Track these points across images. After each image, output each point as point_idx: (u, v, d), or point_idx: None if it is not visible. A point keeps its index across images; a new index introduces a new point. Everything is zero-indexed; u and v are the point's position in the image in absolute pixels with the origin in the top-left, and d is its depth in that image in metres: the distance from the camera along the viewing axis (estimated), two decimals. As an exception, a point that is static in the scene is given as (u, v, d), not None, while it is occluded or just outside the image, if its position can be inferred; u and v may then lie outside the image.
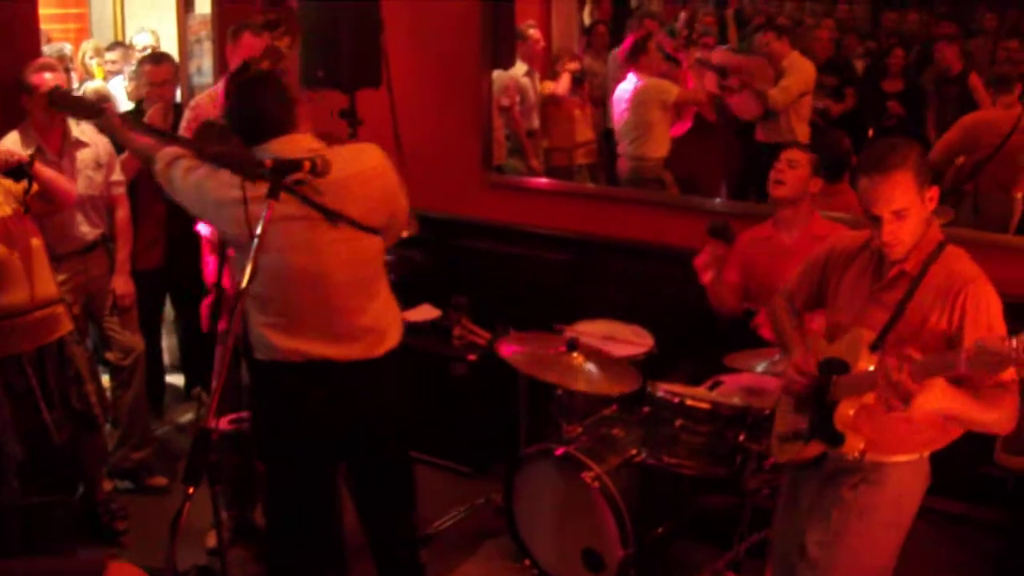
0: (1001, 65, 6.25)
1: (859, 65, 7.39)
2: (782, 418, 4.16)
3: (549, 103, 7.81)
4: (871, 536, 3.90)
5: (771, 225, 5.66)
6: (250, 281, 3.52)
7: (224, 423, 5.20)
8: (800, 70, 7.05)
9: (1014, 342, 3.19)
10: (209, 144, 4.24)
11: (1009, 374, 3.49)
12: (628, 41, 7.51)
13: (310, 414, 4.35)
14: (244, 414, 5.02)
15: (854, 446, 3.76)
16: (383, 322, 4.35)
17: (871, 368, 3.67)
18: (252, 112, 4.14)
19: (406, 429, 4.64)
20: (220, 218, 4.16)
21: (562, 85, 7.73)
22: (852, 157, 6.25)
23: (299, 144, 4.05)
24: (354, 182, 4.10)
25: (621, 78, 7.51)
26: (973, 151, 6.13)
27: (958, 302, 3.65)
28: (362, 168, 4.18)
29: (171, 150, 4.39)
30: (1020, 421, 3.78)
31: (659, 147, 7.34)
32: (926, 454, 3.90)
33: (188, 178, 4.21)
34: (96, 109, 5.27)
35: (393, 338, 4.39)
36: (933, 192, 3.72)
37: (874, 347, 3.75)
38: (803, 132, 6.94)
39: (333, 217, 4.06)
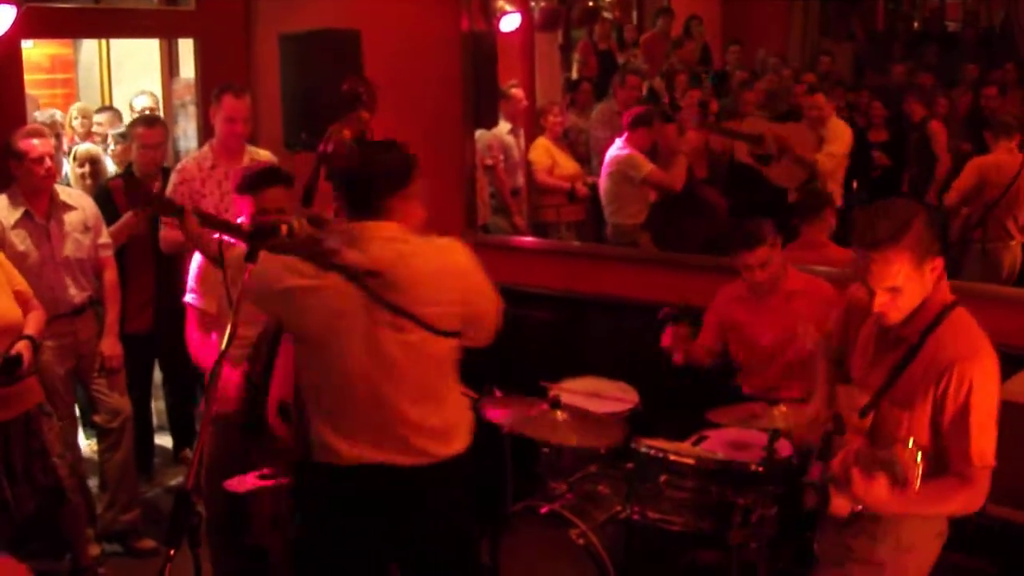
0: (1004, 115, 6.30)
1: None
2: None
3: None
4: None
5: (745, 287, 5.69)
6: (228, 344, 3.52)
7: (252, 479, 5.15)
8: (841, 134, 7.10)
9: (908, 459, 3.16)
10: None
11: (969, 464, 3.43)
12: (635, 110, 7.52)
13: (360, 525, 4.06)
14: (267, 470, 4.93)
15: (840, 508, 3.60)
16: (449, 424, 4.12)
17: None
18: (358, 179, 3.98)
19: (467, 540, 4.44)
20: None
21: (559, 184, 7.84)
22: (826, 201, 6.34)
23: (380, 232, 3.88)
24: (431, 280, 3.85)
25: (604, 136, 7.57)
26: (982, 193, 6.17)
27: (943, 381, 3.48)
28: (443, 265, 3.91)
29: None
30: (1010, 469, 3.74)
31: (632, 216, 7.40)
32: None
33: None
34: (177, 208, 5.17)
35: (461, 441, 4.17)
36: (937, 263, 3.54)
37: (863, 412, 3.66)
38: (837, 194, 6.97)
39: (402, 316, 3.83)
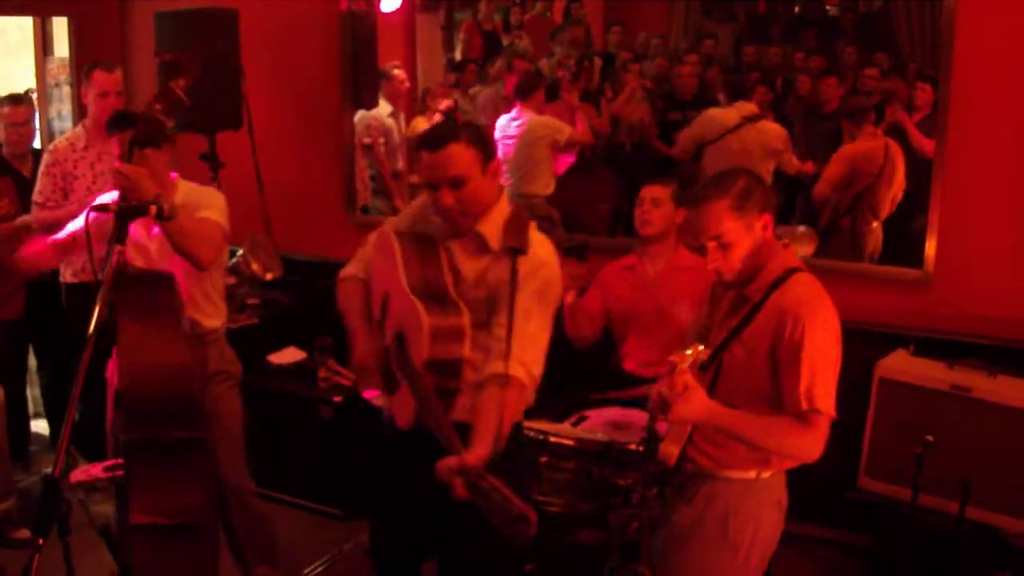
0: (855, 97, 6.35)
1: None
2: None
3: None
4: (698, 552, 3.91)
5: (636, 256, 5.69)
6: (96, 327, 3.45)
7: (97, 470, 5.05)
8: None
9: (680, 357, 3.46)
10: None
11: (799, 404, 3.55)
12: (514, 77, 7.51)
13: None
14: (120, 460, 4.85)
15: (667, 452, 3.80)
16: None
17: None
18: None
19: None
20: None
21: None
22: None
23: None
24: None
25: (489, 122, 7.52)
26: (854, 183, 6.21)
27: (781, 328, 3.64)
28: None
29: None
30: (886, 446, 3.89)
31: (546, 185, 7.29)
32: (764, 475, 3.84)
33: None
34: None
35: None
36: (765, 219, 3.74)
37: (704, 366, 3.77)
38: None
39: None
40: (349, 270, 4.21)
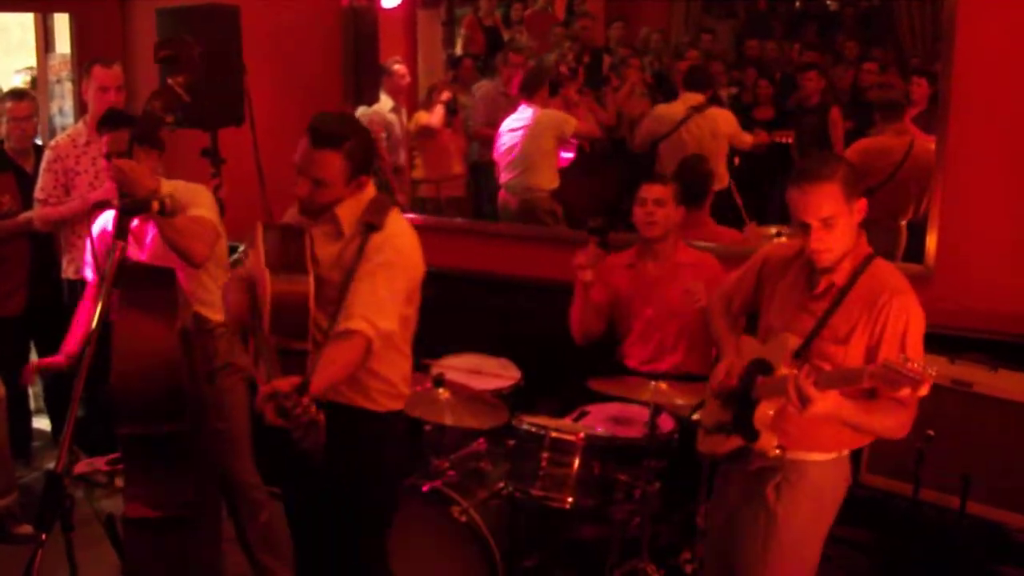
0: (887, 91, 6.33)
1: (723, 95, 7.45)
2: (709, 412, 4.32)
3: (421, 134, 7.76)
4: (797, 532, 4.10)
5: (635, 254, 5.67)
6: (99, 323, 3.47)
7: (100, 463, 5.05)
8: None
9: (915, 364, 3.37)
10: None
11: (905, 392, 3.59)
12: (509, 71, 7.52)
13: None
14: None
15: (768, 443, 3.95)
16: None
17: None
18: None
19: None
20: None
21: (436, 116, 7.63)
22: (712, 183, 6.35)
23: None
24: None
25: (481, 116, 7.53)
26: (865, 178, 6.19)
27: (881, 314, 3.82)
28: None
29: None
30: (886, 441, 4.08)
31: (551, 179, 7.29)
32: (845, 452, 4.11)
33: None
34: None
35: None
36: (861, 204, 3.87)
37: (798, 354, 3.93)
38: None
39: None
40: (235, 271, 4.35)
